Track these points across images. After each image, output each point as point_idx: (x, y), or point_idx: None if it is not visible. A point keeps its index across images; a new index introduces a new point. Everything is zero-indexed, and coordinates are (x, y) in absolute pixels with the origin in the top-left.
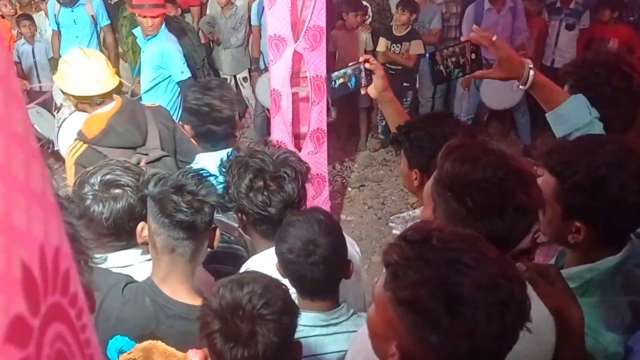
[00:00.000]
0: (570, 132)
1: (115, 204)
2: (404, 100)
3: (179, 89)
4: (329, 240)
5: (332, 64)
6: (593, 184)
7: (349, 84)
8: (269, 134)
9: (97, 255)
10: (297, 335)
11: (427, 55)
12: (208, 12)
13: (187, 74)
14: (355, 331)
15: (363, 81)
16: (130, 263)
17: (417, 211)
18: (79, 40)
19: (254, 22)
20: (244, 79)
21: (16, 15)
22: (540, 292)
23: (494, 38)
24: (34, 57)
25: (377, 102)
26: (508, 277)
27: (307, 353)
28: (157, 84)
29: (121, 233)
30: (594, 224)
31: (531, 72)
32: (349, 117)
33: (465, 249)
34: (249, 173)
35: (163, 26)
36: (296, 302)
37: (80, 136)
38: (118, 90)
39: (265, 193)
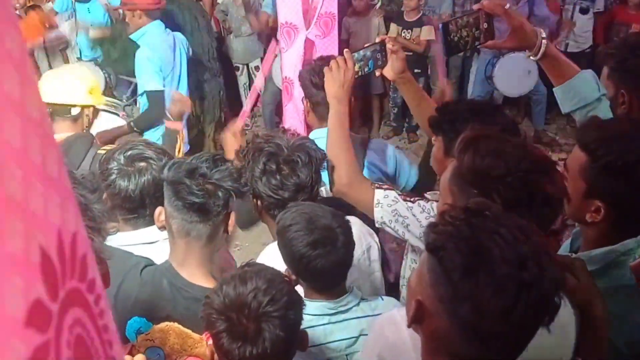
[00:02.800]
0: (577, 108)
1: (140, 176)
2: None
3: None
4: (338, 231)
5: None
6: (625, 167)
7: (366, 68)
8: (279, 123)
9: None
10: (305, 325)
11: (440, 26)
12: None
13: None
14: (367, 316)
15: (380, 62)
16: (155, 239)
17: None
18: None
19: (264, 8)
20: (256, 67)
21: (26, 6)
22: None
23: (507, 6)
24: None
25: (389, 88)
26: (541, 265)
27: (317, 342)
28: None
29: (148, 206)
30: (616, 206)
31: (544, 42)
32: (361, 104)
33: (510, 225)
34: (263, 157)
35: (148, 26)
36: (302, 293)
37: None
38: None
39: (278, 177)
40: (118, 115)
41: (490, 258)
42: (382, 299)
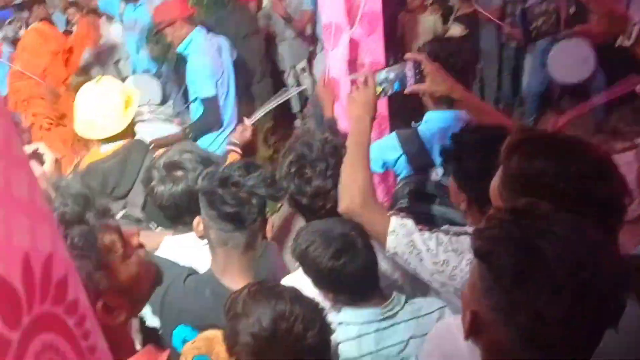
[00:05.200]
0: None
1: (174, 186)
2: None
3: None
4: (354, 234)
5: (398, 48)
6: None
7: (390, 90)
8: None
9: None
10: (355, 333)
11: (519, 11)
12: (264, 4)
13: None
14: (413, 318)
15: (410, 82)
16: (197, 244)
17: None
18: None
19: (306, 6)
20: (302, 69)
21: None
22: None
23: None
24: None
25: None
26: (600, 264)
27: (369, 350)
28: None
29: (184, 214)
30: None
31: (636, 27)
32: None
33: (563, 223)
34: (289, 157)
35: (192, 33)
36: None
37: (75, 164)
38: None
39: (297, 181)
40: (171, 122)
41: (543, 260)
42: (425, 299)
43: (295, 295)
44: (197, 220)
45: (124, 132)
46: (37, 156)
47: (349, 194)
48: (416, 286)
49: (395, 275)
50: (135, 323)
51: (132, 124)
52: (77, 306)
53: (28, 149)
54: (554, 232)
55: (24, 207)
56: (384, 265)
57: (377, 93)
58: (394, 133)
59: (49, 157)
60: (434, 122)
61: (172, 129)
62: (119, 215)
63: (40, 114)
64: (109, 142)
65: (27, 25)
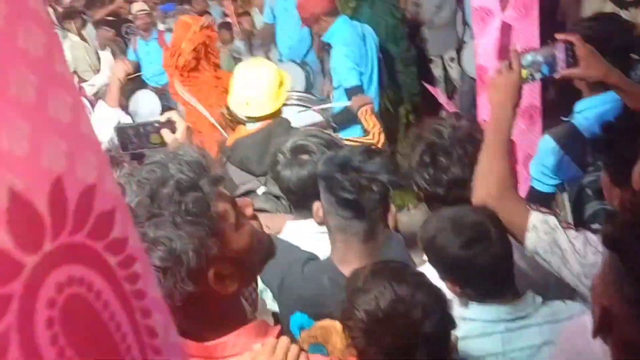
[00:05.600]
0: None
1: (301, 169)
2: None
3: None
4: (488, 223)
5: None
6: None
7: (537, 74)
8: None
9: None
10: (479, 332)
11: None
12: None
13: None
14: (548, 322)
15: (560, 65)
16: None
17: None
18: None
19: None
20: (451, 59)
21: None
22: None
23: None
24: None
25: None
26: None
27: (495, 350)
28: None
29: (309, 199)
30: None
31: None
32: None
33: None
34: (420, 146)
35: (336, 22)
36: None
37: (223, 141)
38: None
39: (432, 170)
40: (313, 109)
41: None
42: (565, 302)
43: (420, 280)
44: (316, 205)
45: (270, 114)
46: (170, 124)
47: (485, 185)
48: (560, 289)
49: (534, 274)
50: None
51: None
52: (124, 246)
53: (162, 118)
54: None
55: (61, 130)
56: (520, 262)
57: (524, 77)
58: (546, 135)
59: (181, 125)
60: (591, 110)
61: (313, 116)
62: (259, 192)
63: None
64: (255, 121)
65: None
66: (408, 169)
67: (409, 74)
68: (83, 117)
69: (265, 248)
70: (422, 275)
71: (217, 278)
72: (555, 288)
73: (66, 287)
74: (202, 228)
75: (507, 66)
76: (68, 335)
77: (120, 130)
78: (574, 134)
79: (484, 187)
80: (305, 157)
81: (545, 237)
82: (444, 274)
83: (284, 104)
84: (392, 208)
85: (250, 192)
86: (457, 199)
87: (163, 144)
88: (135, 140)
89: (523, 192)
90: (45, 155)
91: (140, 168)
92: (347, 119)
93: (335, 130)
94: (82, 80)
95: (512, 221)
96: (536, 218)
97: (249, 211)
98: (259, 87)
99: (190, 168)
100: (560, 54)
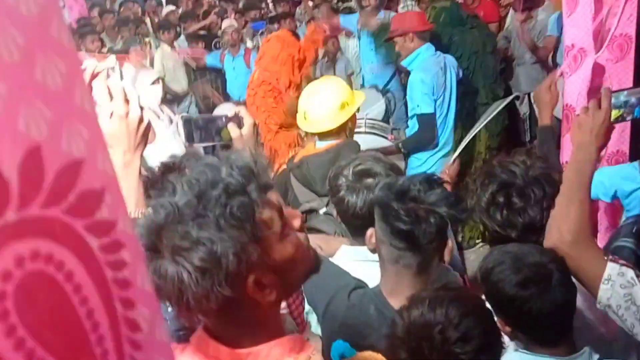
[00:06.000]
0: None
1: (368, 193)
2: None
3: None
4: (552, 267)
5: None
6: None
7: (629, 116)
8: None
9: None
10: None
11: None
12: (506, 26)
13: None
14: None
15: None
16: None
17: None
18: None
19: (551, 31)
20: None
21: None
22: None
23: None
24: None
25: None
26: None
27: None
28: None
29: (370, 224)
30: None
31: None
32: None
33: None
34: (493, 185)
35: (420, 48)
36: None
37: (291, 156)
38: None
39: (505, 212)
40: (386, 138)
41: None
42: None
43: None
44: (370, 232)
45: (340, 132)
46: (237, 119)
47: (559, 229)
48: (630, 347)
49: (602, 328)
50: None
51: (348, 125)
52: (111, 229)
53: (230, 112)
54: None
55: (47, 96)
56: (589, 314)
57: (614, 118)
58: (635, 162)
59: (248, 121)
60: None
61: (384, 143)
62: (321, 211)
63: (270, 117)
64: (325, 140)
65: None
66: (475, 207)
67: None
68: (79, 88)
69: (309, 263)
70: (482, 301)
71: (257, 285)
72: (621, 346)
73: (28, 262)
74: (245, 233)
75: (596, 105)
76: (24, 313)
77: (187, 120)
78: None
79: (558, 232)
80: (370, 180)
81: (621, 290)
82: (497, 311)
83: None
84: (450, 243)
85: (312, 211)
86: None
87: (231, 140)
88: (202, 133)
89: (602, 242)
90: (21, 118)
91: (193, 167)
92: (415, 145)
93: (405, 156)
94: (168, 91)
95: (586, 270)
96: (612, 269)
97: (296, 222)
98: (317, 102)
99: (240, 172)
100: None
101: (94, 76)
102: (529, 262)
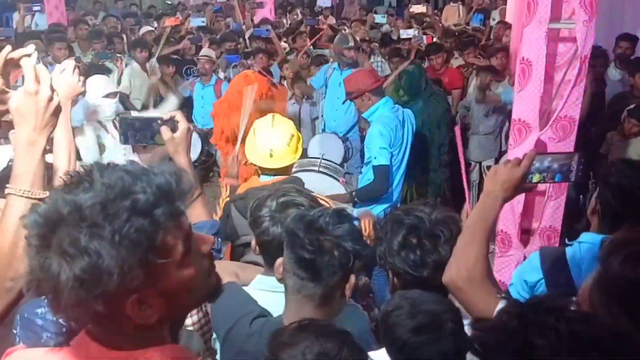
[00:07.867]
0: None
1: None
2: None
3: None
4: (445, 317)
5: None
6: None
7: (550, 181)
8: None
9: None
10: None
11: None
12: (468, 95)
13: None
14: None
15: (572, 177)
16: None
17: None
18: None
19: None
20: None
21: None
22: None
23: None
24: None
25: None
26: None
27: None
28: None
29: None
30: None
31: None
32: None
33: None
34: (403, 229)
35: (379, 102)
36: None
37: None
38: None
39: (418, 252)
40: (338, 180)
41: None
42: None
43: (346, 339)
44: (279, 261)
45: (285, 168)
46: (172, 122)
47: (457, 265)
48: None
49: None
50: None
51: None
52: None
53: (165, 115)
54: None
55: None
56: None
57: (536, 180)
58: (537, 251)
59: (182, 126)
60: (588, 245)
61: (335, 184)
62: None
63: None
64: (268, 175)
65: None
66: (386, 252)
67: (439, 174)
68: None
69: (204, 291)
70: (348, 334)
71: (138, 305)
72: None
73: None
74: (137, 256)
75: (516, 162)
76: None
77: (124, 120)
78: (559, 261)
79: (456, 267)
80: (293, 211)
81: None
82: (390, 353)
83: (312, 170)
84: (352, 279)
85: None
86: (439, 285)
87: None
88: (137, 134)
89: None
90: None
91: (115, 169)
92: (368, 195)
93: (354, 205)
94: (130, 107)
95: (477, 305)
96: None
97: (205, 248)
98: (282, 140)
99: (154, 191)
100: (575, 164)
101: (7, 61)
102: (424, 309)
